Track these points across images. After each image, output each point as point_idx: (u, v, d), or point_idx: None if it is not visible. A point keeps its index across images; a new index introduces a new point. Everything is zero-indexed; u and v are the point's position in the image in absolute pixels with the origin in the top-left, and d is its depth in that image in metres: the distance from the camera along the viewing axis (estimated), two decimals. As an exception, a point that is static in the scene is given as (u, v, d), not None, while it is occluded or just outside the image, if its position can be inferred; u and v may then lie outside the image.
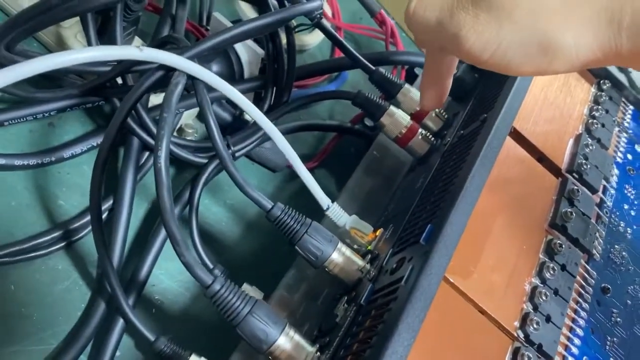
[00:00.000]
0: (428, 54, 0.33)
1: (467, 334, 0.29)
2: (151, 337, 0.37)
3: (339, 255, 0.34)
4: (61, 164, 0.43)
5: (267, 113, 0.46)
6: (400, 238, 0.34)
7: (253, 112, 0.34)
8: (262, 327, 0.30)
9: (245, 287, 0.35)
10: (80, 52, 0.27)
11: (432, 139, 0.43)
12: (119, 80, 0.42)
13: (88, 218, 0.41)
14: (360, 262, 0.34)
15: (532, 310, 0.31)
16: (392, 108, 0.42)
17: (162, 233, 0.41)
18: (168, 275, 0.43)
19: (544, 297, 0.31)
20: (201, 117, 0.47)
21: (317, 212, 0.37)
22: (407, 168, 0.45)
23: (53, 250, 0.40)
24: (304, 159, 0.55)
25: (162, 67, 0.32)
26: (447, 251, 0.29)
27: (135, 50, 0.29)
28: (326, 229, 0.35)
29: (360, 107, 0.44)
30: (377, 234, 0.37)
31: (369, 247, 0.36)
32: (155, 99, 0.45)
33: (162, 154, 0.28)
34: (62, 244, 0.40)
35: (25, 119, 0.40)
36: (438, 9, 0.26)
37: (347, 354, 0.28)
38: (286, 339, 0.30)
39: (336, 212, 0.37)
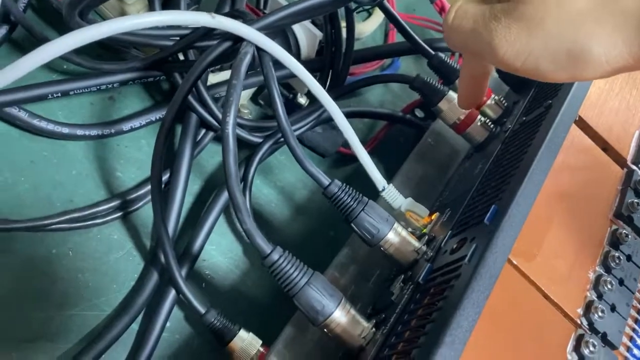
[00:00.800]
0: (465, 58, 0.35)
1: (529, 317, 0.28)
2: (202, 310, 0.38)
3: (395, 235, 0.33)
4: (120, 137, 0.44)
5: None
6: (459, 221, 0.33)
7: (316, 89, 0.34)
8: (319, 298, 0.30)
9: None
10: (153, 15, 0.27)
11: (492, 125, 0.42)
12: (181, 57, 0.42)
13: (144, 190, 0.42)
14: (416, 243, 0.34)
15: (596, 299, 0.30)
16: (451, 93, 0.42)
17: (217, 208, 0.42)
18: (219, 251, 0.43)
19: (608, 286, 0.30)
20: (264, 96, 0.47)
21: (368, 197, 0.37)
22: (462, 156, 0.45)
23: (109, 220, 0.41)
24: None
25: (228, 39, 0.32)
26: (513, 231, 0.28)
27: (207, 17, 0.29)
28: (381, 210, 0.34)
29: (418, 91, 0.43)
30: (433, 217, 0.37)
31: (424, 230, 0.36)
32: (213, 77, 0.45)
33: (231, 120, 0.29)
34: (119, 214, 0.41)
35: (89, 90, 0.40)
36: (472, 20, 0.27)
37: (405, 329, 0.28)
38: (342, 313, 0.30)
39: (392, 193, 0.36)
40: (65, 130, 0.40)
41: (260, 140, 0.44)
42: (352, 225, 0.34)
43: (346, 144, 0.52)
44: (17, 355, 0.35)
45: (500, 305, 0.27)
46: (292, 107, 0.49)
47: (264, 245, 0.30)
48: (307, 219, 0.48)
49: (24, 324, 0.36)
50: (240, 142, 0.45)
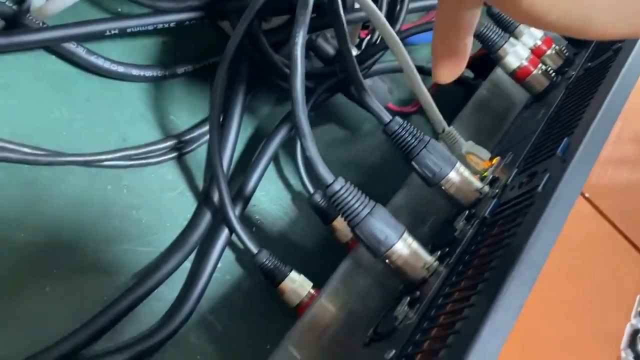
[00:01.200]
0: (443, 4, 0.24)
1: (603, 253, 0.27)
2: (254, 249, 0.37)
3: (457, 175, 0.33)
4: (174, 80, 0.44)
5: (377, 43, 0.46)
6: (525, 159, 0.32)
7: (381, 23, 0.33)
8: (381, 228, 0.29)
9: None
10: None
11: (553, 74, 0.41)
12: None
13: (199, 132, 0.42)
14: (478, 183, 0.33)
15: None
16: (513, 39, 0.41)
17: (269, 153, 0.41)
18: (268, 197, 0.43)
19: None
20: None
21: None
22: (519, 109, 0.43)
23: (163, 160, 0.41)
24: (402, 103, 0.54)
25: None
26: (588, 160, 0.27)
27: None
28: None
29: (478, 39, 0.42)
30: (493, 162, 0.36)
31: (485, 174, 0.35)
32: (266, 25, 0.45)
33: (300, 41, 0.28)
34: (173, 155, 0.41)
35: (145, 28, 0.40)
36: None
37: (473, 257, 0.27)
38: (404, 244, 0.29)
39: (452, 135, 0.36)
40: (121, 69, 0.41)
41: (311, 85, 0.43)
42: (413, 163, 0.33)
43: (394, 102, 0.52)
44: (68, 286, 0.35)
45: (574, 239, 0.26)
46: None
47: (326, 174, 0.30)
48: (352, 172, 0.47)
49: (76, 255, 0.36)
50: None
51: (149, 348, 0.34)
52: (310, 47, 0.48)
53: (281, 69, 0.41)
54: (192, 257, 0.39)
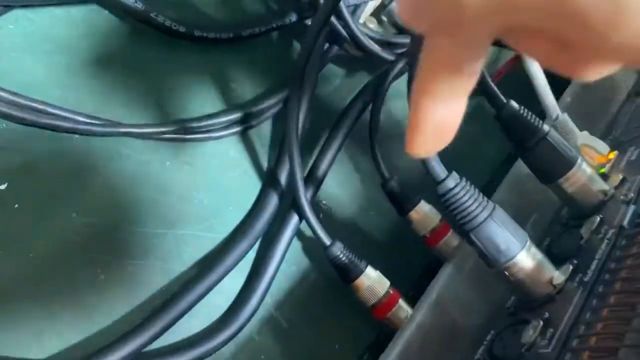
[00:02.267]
0: (431, 46, 0.14)
1: None
2: (327, 241, 0.33)
3: (580, 171, 0.28)
4: (237, 44, 0.39)
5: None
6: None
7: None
8: (502, 235, 0.25)
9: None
10: None
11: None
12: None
13: (265, 105, 0.37)
14: (602, 183, 0.29)
15: None
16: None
17: (344, 130, 0.37)
18: (337, 180, 0.39)
19: None
20: (388, 12, 0.42)
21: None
22: (624, 91, 0.38)
23: (226, 135, 0.36)
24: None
25: None
26: None
27: None
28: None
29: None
30: (610, 157, 0.31)
31: (602, 170, 0.31)
32: None
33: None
34: (236, 129, 0.36)
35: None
36: None
37: (614, 278, 0.23)
38: (527, 255, 0.25)
39: (567, 123, 0.31)
40: (182, 29, 0.36)
41: (392, 58, 0.38)
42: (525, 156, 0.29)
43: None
44: (124, 274, 0.31)
45: None
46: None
47: (439, 168, 0.25)
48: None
49: (132, 239, 0.32)
50: (368, 59, 0.40)
51: (210, 350, 0.31)
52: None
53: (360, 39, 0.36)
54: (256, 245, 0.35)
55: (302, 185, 0.33)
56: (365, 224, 0.39)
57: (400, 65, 0.38)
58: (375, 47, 0.37)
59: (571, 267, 0.25)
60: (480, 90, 0.29)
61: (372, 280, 0.33)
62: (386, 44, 0.39)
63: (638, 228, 0.25)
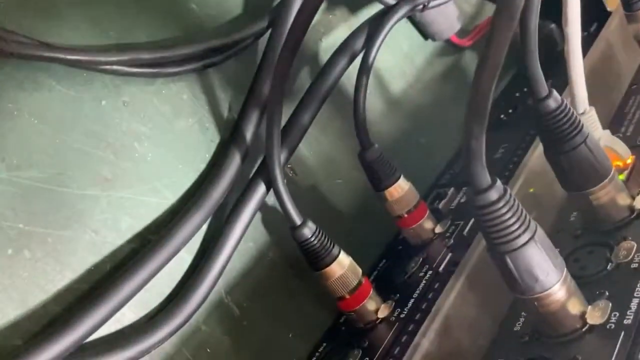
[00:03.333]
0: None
1: None
2: (297, 220, 0.28)
3: (612, 184, 0.25)
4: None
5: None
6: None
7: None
8: (543, 262, 0.21)
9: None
10: None
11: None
12: None
13: (232, 39, 0.29)
14: (627, 197, 0.25)
15: None
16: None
17: (326, 85, 0.31)
18: (306, 143, 0.33)
19: None
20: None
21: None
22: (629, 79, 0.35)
23: (180, 72, 0.29)
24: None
25: None
26: None
27: None
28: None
29: None
30: (629, 161, 0.28)
31: (622, 177, 0.27)
32: None
33: None
34: (194, 65, 0.29)
35: None
36: None
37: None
38: (562, 285, 0.21)
39: (593, 118, 0.27)
40: None
41: (392, 1, 0.32)
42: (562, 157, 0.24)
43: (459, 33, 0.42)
44: (45, 246, 0.24)
45: None
46: None
47: (483, 176, 0.20)
48: (399, 119, 0.38)
49: (55, 202, 0.24)
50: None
51: (148, 348, 0.25)
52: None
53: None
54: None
55: (278, 146, 0.27)
56: (333, 195, 0.33)
57: (403, 11, 0.32)
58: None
59: (611, 305, 0.22)
60: (523, 72, 0.24)
61: (345, 269, 0.29)
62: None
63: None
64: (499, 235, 0.21)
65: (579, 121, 0.24)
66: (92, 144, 0.25)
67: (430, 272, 0.30)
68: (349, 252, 0.29)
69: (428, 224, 0.33)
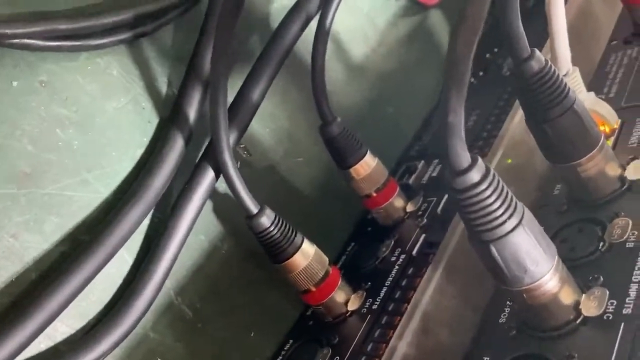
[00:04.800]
0: None
1: None
2: (253, 208, 0.25)
3: (602, 153, 0.22)
4: None
5: None
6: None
7: None
8: (533, 250, 0.18)
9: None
10: None
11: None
12: None
13: (165, 3, 0.26)
14: (618, 167, 0.23)
15: None
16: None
17: (278, 54, 0.27)
18: (260, 118, 0.29)
19: None
20: None
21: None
22: (606, 39, 0.33)
23: (108, 44, 0.25)
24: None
25: None
26: None
27: None
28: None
29: None
30: (616, 125, 0.26)
31: (609, 143, 0.25)
32: None
33: None
34: (124, 36, 0.25)
35: None
36: None
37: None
38: (554, 274, 0.19)
39: (577, 79, 0.25)
40: None
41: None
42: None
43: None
44: None
45: None
46: None
47: (463, 155, 0.17)
48: (361, 88, 0.35)
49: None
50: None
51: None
52: None
53: None
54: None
55: (225, 125, 0.23)
56: (291, 174, 0.30)
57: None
58: None
59: (608, 293, 0.19)
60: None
61: (310, 259, 0.26)
62: None
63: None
64: (482, 222, 0.18)
65: (565, 84, 0.21)
66: (4, 133, 0.22)
67: (403, 255, 0.28)
68: (314, 239, 0.26)
69: (399, 202, 0.30)
